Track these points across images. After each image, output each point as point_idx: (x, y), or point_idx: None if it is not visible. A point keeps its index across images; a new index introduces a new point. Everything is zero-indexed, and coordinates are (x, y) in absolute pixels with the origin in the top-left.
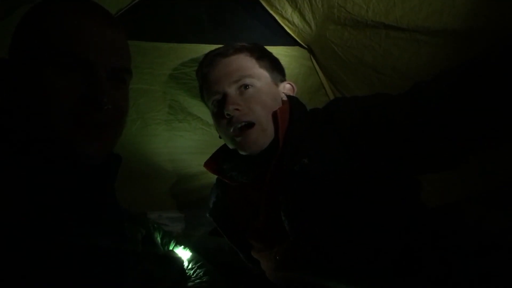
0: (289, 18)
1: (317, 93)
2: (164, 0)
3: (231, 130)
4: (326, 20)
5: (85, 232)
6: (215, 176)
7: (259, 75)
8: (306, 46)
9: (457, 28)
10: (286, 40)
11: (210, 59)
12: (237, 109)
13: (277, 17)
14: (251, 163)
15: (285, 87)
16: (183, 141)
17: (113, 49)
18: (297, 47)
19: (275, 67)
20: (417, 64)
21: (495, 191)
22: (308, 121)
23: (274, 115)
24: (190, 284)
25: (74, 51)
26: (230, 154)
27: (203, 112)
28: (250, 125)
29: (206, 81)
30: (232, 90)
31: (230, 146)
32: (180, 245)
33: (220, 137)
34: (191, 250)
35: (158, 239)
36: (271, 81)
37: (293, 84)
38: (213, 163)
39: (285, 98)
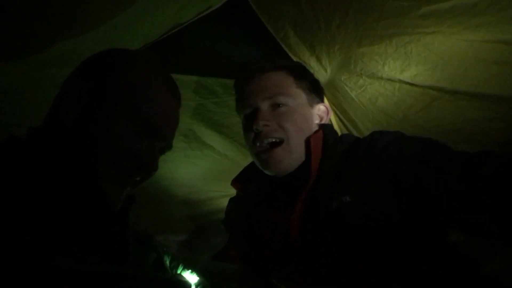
0: (306, 61)
1: None
2: (189, 38)
3: (258, 145)
4: (342, 68)
5: (91, 255)
6: (224, 203)
7: (295, 94)
8: None
9: (467, 90)
10: None
11: (248, 73)
12: (266, 125)
13: (294, 58)
14: (277, 187)
15: (320, 109)
16: (194, 168)
17: (175, 123)
18: None
19: (314, 89)
20: (428, 115)
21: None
22: (344, 152)
23: (307, 142)
24: None
25: (148, 117)
26: (257, 174)
27: (217, 142)
28: (278, 142)
29: (240, 93)
30: (264, 106)
31: (256, 163)
32: (188, 269)
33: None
34: (198, 274)
35: (167, 262)
36: (307, 102)
37: (328, 107)
38: (239, 184)
39: (317, 121)
